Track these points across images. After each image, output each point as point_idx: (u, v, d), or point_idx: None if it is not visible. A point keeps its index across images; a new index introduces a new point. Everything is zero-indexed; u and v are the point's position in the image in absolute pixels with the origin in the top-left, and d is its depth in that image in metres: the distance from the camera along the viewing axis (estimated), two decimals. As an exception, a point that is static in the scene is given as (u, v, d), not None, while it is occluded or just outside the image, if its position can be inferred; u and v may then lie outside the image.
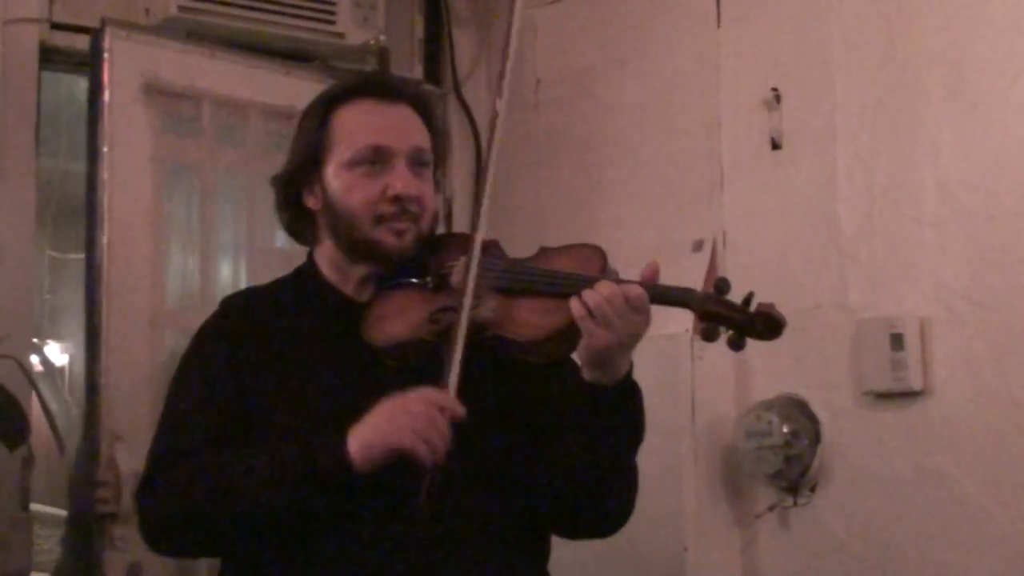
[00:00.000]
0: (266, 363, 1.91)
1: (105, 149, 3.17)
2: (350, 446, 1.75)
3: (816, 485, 2.95)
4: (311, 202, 1.98)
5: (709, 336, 1.77)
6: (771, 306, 1.75)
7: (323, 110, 1.99)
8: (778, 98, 3.09)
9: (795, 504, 2.98)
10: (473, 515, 1.85)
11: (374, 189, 1.92)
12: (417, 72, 3.83)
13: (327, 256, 2.00)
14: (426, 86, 3.78)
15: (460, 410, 1.75)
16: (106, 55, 3.20)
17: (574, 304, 1.76)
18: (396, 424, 1.74)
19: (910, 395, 2.79)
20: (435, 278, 1.91)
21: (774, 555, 3.03)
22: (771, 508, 3.02)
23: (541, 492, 1.88)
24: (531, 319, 1.80)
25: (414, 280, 1.93)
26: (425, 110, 2.02)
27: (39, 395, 2.95)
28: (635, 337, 1.78)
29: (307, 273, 2.03)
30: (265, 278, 2.12)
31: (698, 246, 3.19)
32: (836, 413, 2.93)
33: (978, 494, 2.67)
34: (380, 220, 1.91)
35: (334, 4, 3.56)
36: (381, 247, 1.92)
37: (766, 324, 1.74)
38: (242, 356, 1.92)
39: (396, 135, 1.95)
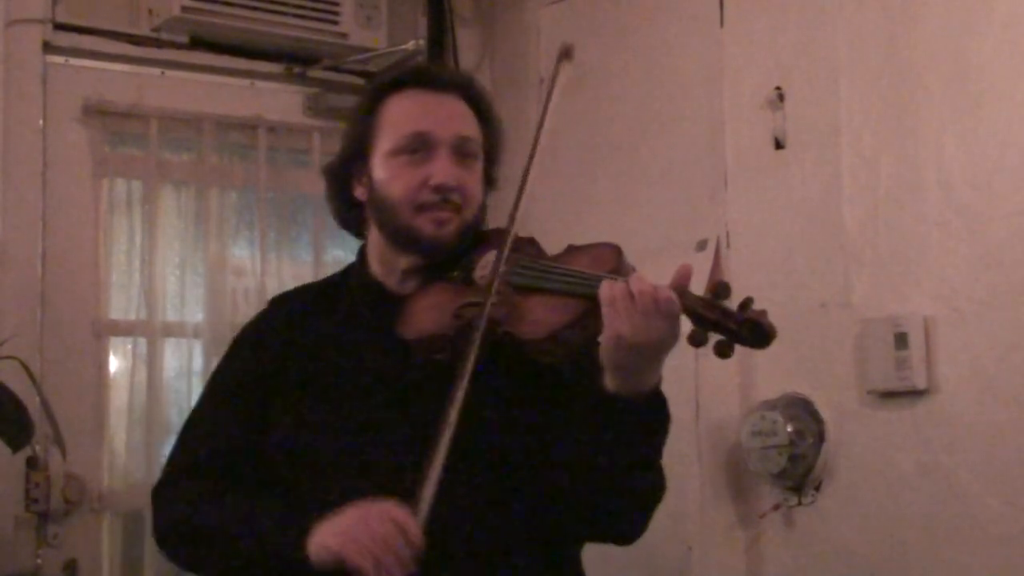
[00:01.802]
0: (301, 357, 1.93)
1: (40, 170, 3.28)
2: (310, 542, 1.74)
3: (820, 484, 2.94)
4: (359, 192, 1.96)
5: (697, 341, 1.69)
6: (762, 313, 1.67)
7: (373, 100, 1.97)
8: (781, 97, 3.09)
9: (799, 503, 2.97)
10: (483, 515, 1.82)
11: (416, 177, 1.89)
12: (420, 72, 3.82)
13: (375, 248, 1.98)
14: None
15: (420, 542, 1.68)
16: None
17: (603, 290, 1.71)
18: (352, 538, 1.69)
19: (914, 394, 2.78)
20: (461, 272, 1.89)
21: (778, 554, 3.03)
22: (775, 507, 3.01)
23: (549, 495, 1.84)
24: (537, 316, 1.78)
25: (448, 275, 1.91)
26: (477, 102, 1.98)
27: (41, 396, 2.95)
28: (657, 346, 1.70)
29: (355, 267, 2.02)
30: (221, 288, 2.12)
31: (701, 246, 3.19)
32: (840, 412, 2.92)
33: (983, 493, 2.67)
34: (421, 209, 1.88)
35: (337, 4, 3.57)
36: (421, 236, 1.89)
37: (753, 332, 1.66)
38: (272, 355, 1.95)
39: (440, 123, 1.91)
